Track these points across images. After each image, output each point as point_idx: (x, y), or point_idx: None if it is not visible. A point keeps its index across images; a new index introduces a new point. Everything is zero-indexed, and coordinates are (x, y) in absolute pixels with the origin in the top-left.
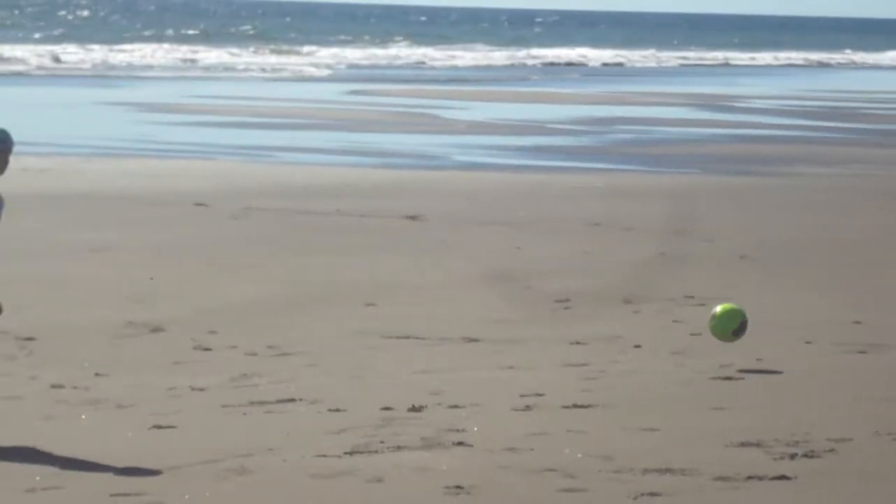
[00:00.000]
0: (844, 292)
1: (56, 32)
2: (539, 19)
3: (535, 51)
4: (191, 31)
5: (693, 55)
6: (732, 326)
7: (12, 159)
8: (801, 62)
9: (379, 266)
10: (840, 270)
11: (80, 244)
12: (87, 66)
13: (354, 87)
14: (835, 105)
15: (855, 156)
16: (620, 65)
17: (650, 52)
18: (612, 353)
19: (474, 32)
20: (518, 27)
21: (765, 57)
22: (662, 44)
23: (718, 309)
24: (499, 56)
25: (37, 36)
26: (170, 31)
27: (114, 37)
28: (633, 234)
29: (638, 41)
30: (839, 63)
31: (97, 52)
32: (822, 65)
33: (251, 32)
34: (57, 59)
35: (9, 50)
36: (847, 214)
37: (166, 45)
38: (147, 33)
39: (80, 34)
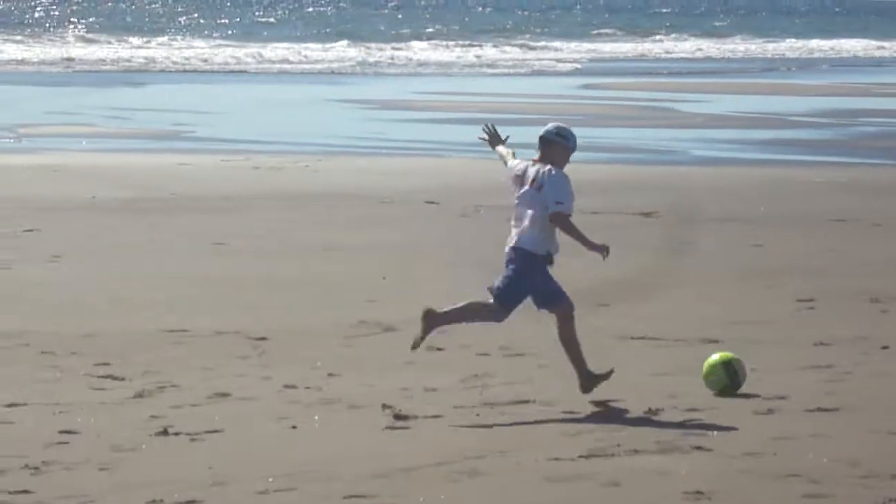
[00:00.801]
0: None
1: (305, 31)
2: (801, 8)
3: (786, 42)
4: (455, 27)
5: None
6: (721, 389)
7: (244, 158)
8: None
9: (612, 264)
10: None
11: (312, 243)
12: (338, 63)
13: (595, 81)
14: None
15: None
16: (875, 56)
17: None
18: (859, 355)
19: (729, 24)
20: (776, 18)
21: None
22: None
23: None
24: (748, 47)
25: (282, 33)
26: (429, 29)
27: (358, 32)
28: (880, 231)
29: None
30: None
31: (337, 50)
32: None
33: (508, 26)
34: (303, 57)
35: (258, 48)
36: None
37: (413, 43)
38: (404, 31)
39: (337, 32)
